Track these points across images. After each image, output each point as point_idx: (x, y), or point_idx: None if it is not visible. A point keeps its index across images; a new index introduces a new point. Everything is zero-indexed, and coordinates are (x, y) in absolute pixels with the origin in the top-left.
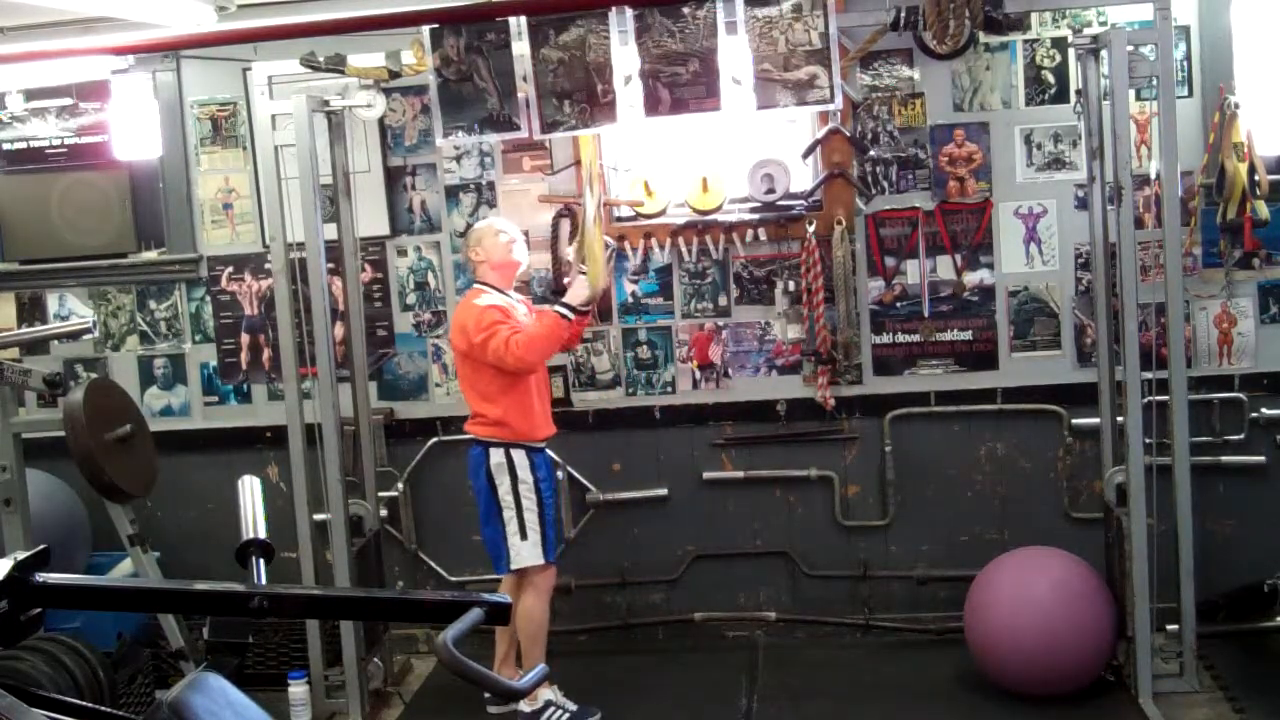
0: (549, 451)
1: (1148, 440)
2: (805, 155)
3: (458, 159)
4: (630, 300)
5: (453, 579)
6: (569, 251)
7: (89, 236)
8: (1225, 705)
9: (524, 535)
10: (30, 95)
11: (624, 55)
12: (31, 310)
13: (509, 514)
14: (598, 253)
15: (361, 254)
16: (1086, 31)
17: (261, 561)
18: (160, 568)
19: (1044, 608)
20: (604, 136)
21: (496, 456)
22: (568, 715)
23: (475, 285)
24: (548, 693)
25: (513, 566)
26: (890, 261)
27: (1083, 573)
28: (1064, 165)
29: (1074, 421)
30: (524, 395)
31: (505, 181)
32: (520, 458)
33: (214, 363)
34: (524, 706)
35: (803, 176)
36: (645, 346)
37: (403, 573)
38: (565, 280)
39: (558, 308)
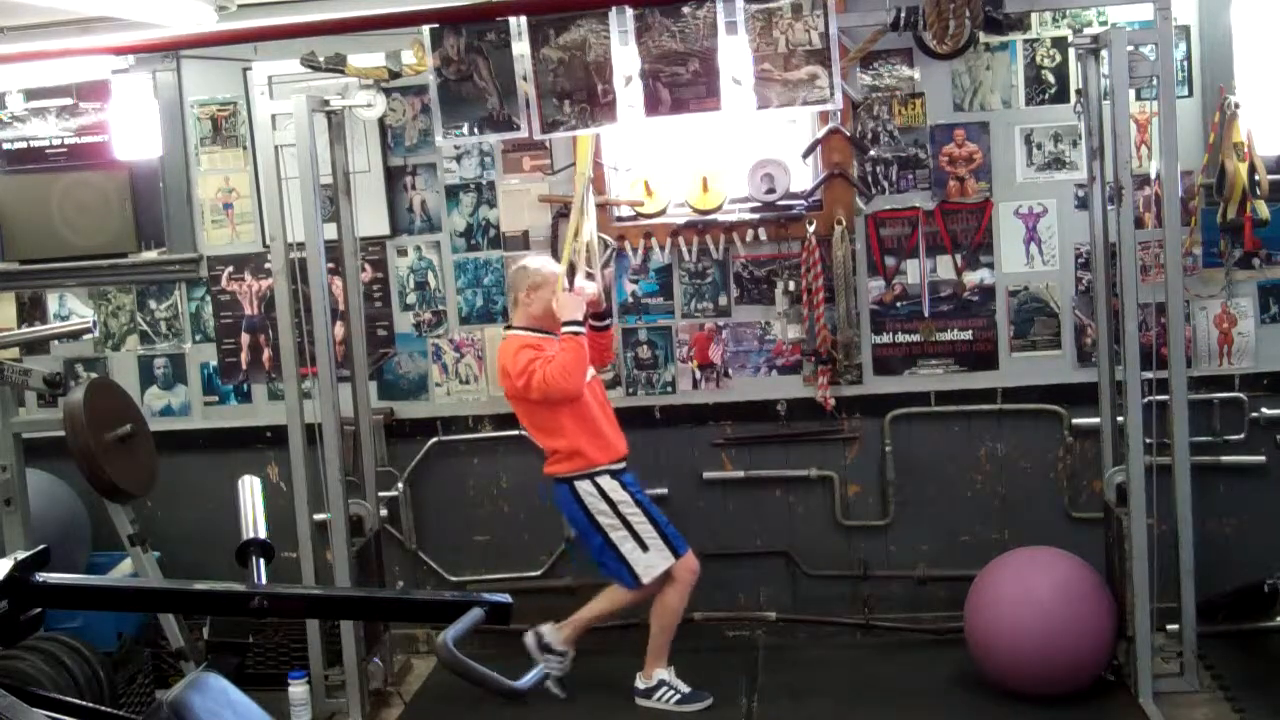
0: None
1: (1148, 440)
2: (805, 155)
3: (458, 159)
4: (630, 300)
5: (453, 579)
6: (567, 248)
7: (89, 236)
8: (1225, 705)
9: (645, 548)
10: (30, 95)
11: (624, 55)
12: (31, 310)
13: (620, 535)
14: (569, 258)
15: (361, 254)
16: (1086, 31)
17: (261, 561)
18: (160, 568)
19: (1044, 608)
20: (604, 136)
21: (584, 486)
22: (679, 696)
23: (512, 333)
24: (662, 672)
25: (645, 580)
26: (890, 261)
27: (1083, 573)
28: (1064, 165)
29: (1074, 421)
30: (587, 417)
31: (505, 181)
32: (607, 482)
33: (214, 362)
34: (638, 683)
35: (803, 176)
36: (645, 346)
37: (403, 573)
38: (577, 286)
39: (563, 330)
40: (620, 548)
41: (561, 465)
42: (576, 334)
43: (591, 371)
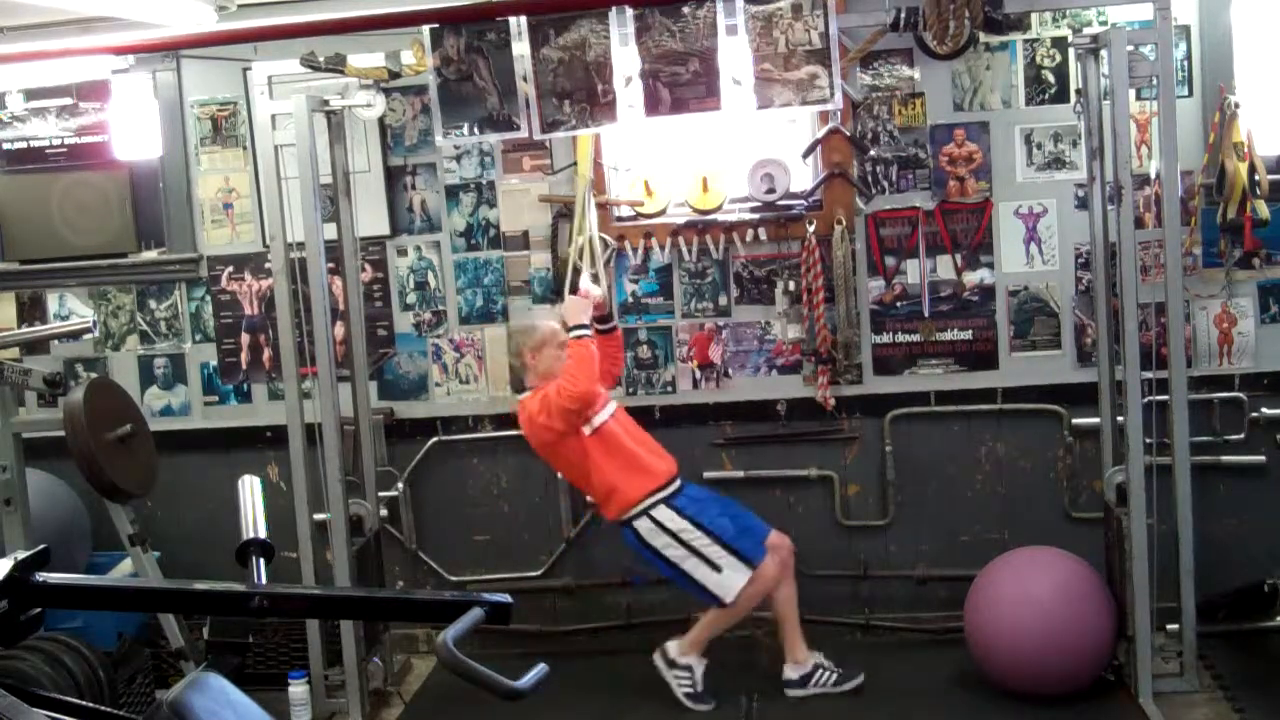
0: (689, 485)
1: (1148, 440)
2: (805, 155)
3: (458, 159)
4: (630, 300)
5: (453, 579)
6: (570, 252)
7: (89, 236)
8: (1225, 705)
9: (717, 569)
10: (30, 95)
11: (624, 55)
12: (31, 310)
13: (691, 563)
14: (574, 260)
15: (361, 254)
16: (1086, 31)
17: (261, 561)
18: (160, 568)
19: (1044, 608)
20: (604, 136)
21: (644, 525)
22: (690, 689)
23: (526, 394)
24: (693, 659)
25: (729, 600)
26: (890, 261)
27: (1083, 573)
28: (1064, 165)
29: (1074, 421)
30: (617, 448)
31: (505, 181)
32: (662, 513)
33: (214, 362)
34: (670, 650)
35: (803, 176)
36: (645, 346)
37: (403, 573)
38: (582, 289)
39: (570, 334)
40: (694, 575)
41: (611, 509)
42: (582, 337)
43: (613, 406)
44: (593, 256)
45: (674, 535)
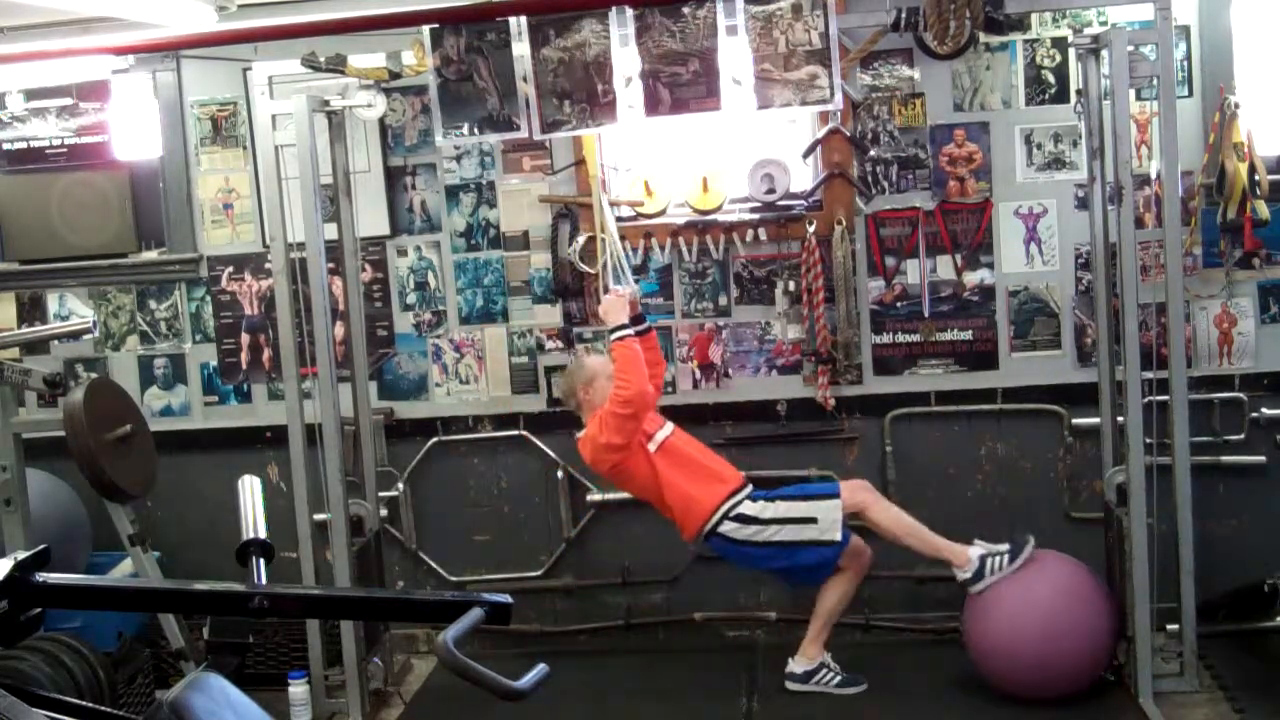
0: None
1: (1148, 440)
2: (805, 155)
3: (458, 159)
4: None
5: (453, 579)
6: (570, 252)
7: (89, 236)
8: (1225, 705)
9: (813, 520)
10: (30, 95)
11: (624, 55)
12: (31, 310)
13: (787, 531)
14: (601, 260)
15: (361, 254)
16: (1087, 31)
17: (261, 561)
18: (160, 568)
19: (1044, 608)
20: (604, 136)
21: (727, 526)
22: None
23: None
24: (974, 551)
25: (838, 536)
26: (890, 261)
27: (1083, 573)
28: (1064, 165)
29: (1074, 421)
30: (685, 460)
31: (505, 181)
32: (741, 507)
33: (214, 362)
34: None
35: (803, 176)
36: None
37: (403, 573)
38: (614, 289)
39: (611, 338)
40: (797, 539)
41: (691, 524)
42: (624, 338)
43: (671, 425)
44: (615, 254)
45: (757, 520)
